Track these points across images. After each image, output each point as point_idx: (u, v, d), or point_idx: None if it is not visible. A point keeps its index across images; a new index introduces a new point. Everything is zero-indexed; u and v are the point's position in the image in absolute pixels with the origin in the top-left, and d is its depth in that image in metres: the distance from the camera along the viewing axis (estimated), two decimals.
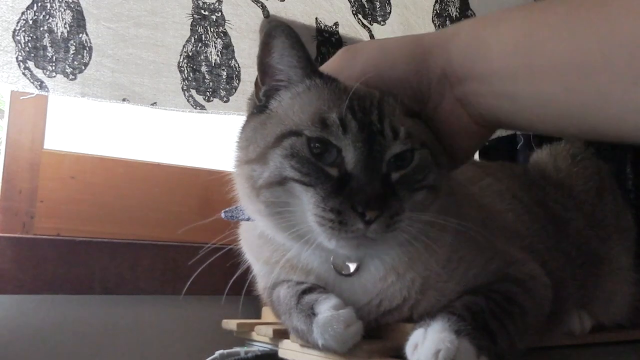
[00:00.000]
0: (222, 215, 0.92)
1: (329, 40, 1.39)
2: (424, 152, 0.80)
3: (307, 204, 0.75)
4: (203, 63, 1.21)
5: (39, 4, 1.06)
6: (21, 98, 1.10)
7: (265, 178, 0.77)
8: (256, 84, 0.86)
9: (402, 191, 0.76)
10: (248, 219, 0.89)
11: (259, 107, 0.85)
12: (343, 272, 0.83)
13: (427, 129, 0.85)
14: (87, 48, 1.10)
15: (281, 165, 0.76)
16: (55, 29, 1.07)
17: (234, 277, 0.89)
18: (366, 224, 0.72)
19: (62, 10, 1.08)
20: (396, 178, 0.77)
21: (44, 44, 1.06)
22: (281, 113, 0.81)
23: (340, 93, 0.79)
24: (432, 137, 0.85)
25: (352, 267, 0.82)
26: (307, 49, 0.82)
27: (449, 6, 1.62)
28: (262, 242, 0.87)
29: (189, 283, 0.88)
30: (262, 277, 0.94)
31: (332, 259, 0.83)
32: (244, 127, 0.86)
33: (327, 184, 0.74)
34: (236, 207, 0.91)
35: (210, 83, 1.21)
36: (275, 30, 0.80)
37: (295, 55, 0.81)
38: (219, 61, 1.23)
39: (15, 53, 1.03)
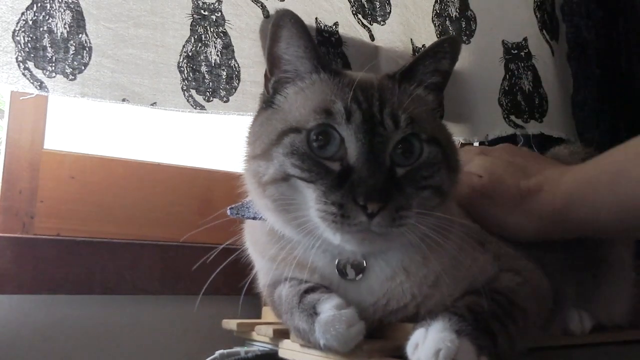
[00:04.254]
0: (228, 212, 0.92)
1: (328, 40, 1.39)
2: (433, 148, 0.80)
3: (310, 199, 0.75)
4: (203, 63, 1.21)
5: (39, 5, 1.06)
6: (21, 98, 1.10)
7: (270, 174, 0.78)
8: (265, 75, 0.87)
9: (408, 187, 0.76)
10: (254, 218, 0.89)
11: (266, 102, 0.85)
12: (347, 277, 0.82)
13: (444, 127, 0.85)
14: (87, 48, 1.10)
15: (283, 162, 0.77)
16: (55, 29, 1.07)
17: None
18: (369, 216, 0.72)
19: (62, 10, 1.08)
20: (402, 173, 0.77)
21: (44, 44, 1.06)
22: (286, 109, 0.82)
23: (345, 86, 0.79)
24: (447, 134, 0.85)
25: (352, 273, 0.82)
26: (314, 39, 0.83)
27: (449, 6, 1.62)
28: (268, 239, 0.87)
29: (207, 283, 0.88)
30: (264, 274, 0.93)
31: (336, 262, 0.82)
32: (253, 122, 0.87)
33: (328, 178, 0.74)
34: (242, 205, 0.91)
35: (210, 83, 1.21)
36: (282, 19, 0.81)
37: (302, 45, 0.82)
38: (218, 61, 1.23)
39: (15, 53, 1.03)
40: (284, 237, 0.84)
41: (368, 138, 0.75)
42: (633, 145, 0.87)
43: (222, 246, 0.87)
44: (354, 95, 0.77)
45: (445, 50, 0.86)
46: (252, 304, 1.11)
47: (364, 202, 0.71)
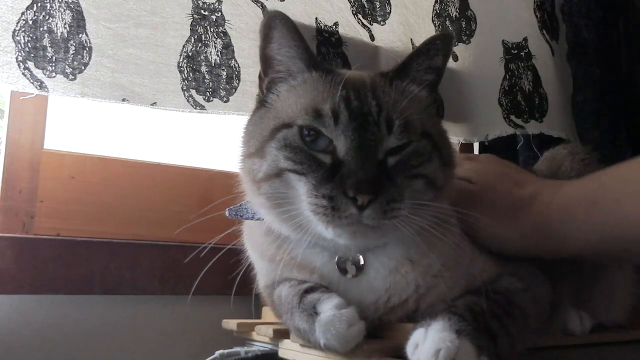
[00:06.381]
0: (227, 213, 0.92)
1: (328, 40, 1.39)
2: (422, 142, 0.80)
3: (302, 193, 0.76)
4: (203, 63, 1.21)
5: (39, 4, 1.06)
6: (21, 98, 1.10)
7: (264, 171, 0.79)
8: (260, 76, 0.88)
9: (399, 178, 0.76)
10: (252, 218, 0.90)
11: (260, 101, 0.86)
12: (347, 274, 0.82)
13: (438, 122, 0.85)
14: (87, 48, 1.10)
15: (276, 157, 0.78)
16: (55, 29, 1.07)
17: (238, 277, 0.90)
18: (359, 209, 0.72)
19: (62, 10, 1.08)
20: (392, 163, 0.77)
21: (44, 44, 1.06)
22: (278, 106, 0.83)
23: (336, 84, 0.80)
24: (441, 129, 0.85)
25: (353, 269, 0.82)
26: (305, 39, 0.84)
27: (449, 6, 1.62)
28: (267, 240, 0.88)
29: (195, 283, 0.88)
30: (264, 275, 0.94)
31: (336, 259, 0.83)
32: (247, 122, 0.88)
33: (319, 172, 0.75)
34: (240, 206, 0.91)
35: (210, 83, 1.21)
36: (274, 21, 0.82)
37: (294, 46, 0.83)
38: (218, 61, 1.23)
39: (15, 53, 1.03)
40: (281, 236, 0.85)
41: (357, 134, 0.76)
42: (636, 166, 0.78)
43: (210, 244, 0.87)
44: (345, 94, 0.78)
45: (437, 47, 0.86)
46: (252, 304, 1.11)
47: (353, 193, 0.72)
